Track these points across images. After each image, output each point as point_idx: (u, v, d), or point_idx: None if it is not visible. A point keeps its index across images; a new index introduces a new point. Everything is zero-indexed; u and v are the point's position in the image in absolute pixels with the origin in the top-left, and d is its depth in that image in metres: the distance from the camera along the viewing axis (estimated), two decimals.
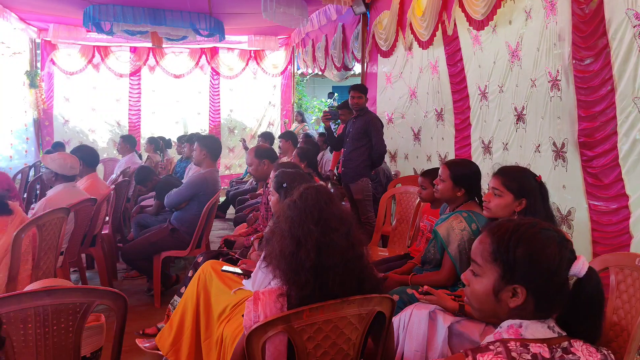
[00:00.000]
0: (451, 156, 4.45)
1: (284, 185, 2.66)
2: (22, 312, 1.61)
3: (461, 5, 3.84)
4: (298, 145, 5.36)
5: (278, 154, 6.21)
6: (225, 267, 2.76)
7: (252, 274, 2.57)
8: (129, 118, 9.73)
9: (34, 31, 8.42)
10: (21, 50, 8.80)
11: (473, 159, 3.97)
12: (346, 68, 6.90)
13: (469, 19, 3.80)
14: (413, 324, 2.20)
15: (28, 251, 2.84)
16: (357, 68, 7.06)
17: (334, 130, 5.78)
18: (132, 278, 4.52)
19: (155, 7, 6.22)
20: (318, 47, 7.61)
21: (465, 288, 1.27)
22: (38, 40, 8.90)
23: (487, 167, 3.76)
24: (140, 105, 9.75)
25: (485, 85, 3.88)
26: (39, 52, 9.06)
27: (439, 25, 4.30)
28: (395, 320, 2.20)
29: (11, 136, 9.37)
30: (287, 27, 6.70)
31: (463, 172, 2.68)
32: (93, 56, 9.24)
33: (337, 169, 5.43)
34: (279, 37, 9.18)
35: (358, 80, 6.81)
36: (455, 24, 4.12)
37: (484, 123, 3.95)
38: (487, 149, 3.91)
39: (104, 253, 4.24)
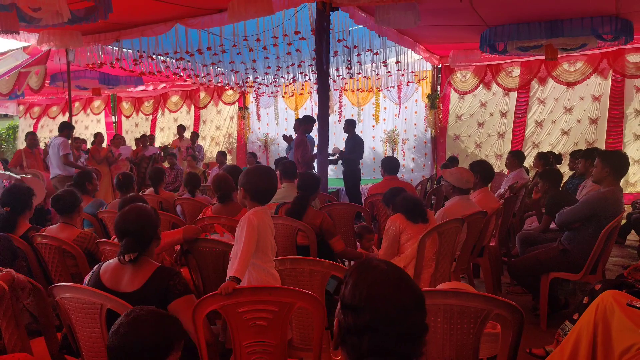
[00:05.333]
0: None
1: None
2: (434, 307, 1.84)
3: None
4: None
5: None
6: (633, 302, 2.40)
7: None
8: (514, 131, 9.78)
9: (436, 59, 9.56)
10: (425, 76, 10.16)
11: None
12: None
13: None
14: None
15: (432, 258, 3.22)
16: None
17: None
18: (516, 294, 4.50)
19: (552, 19, 6.04)
20: None
21: None
22: (439, 67, 10.05)
23: None
24: (525, 118, 9.67)
25: None
26: (439, 76, 10.23)
27: None
28: None
29: (413, 152, 10.92)
30: None
31: None
32: (485, 75, 9.78)
33: None
34: None
35: None
36: None
37: None
38: None
39: (490, 264, 4.38)
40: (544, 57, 7.27)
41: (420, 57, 9.04)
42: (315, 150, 7.18)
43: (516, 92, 9.69)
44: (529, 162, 8.54)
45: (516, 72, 9.59)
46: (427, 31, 7.21)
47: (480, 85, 9.92)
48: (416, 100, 10.75)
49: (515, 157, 6.71)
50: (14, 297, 2.15)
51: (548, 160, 6.71)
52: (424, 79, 10.19)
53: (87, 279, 2.23)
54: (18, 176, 5.55)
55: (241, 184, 2.60)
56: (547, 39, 6.31)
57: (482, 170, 4.39)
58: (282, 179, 4.79)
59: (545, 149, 8.82)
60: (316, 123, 7.76)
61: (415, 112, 10.81)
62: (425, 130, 10.62)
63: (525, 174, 6.67)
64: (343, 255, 3.70)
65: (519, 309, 1.80)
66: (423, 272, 3.33)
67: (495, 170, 9.08)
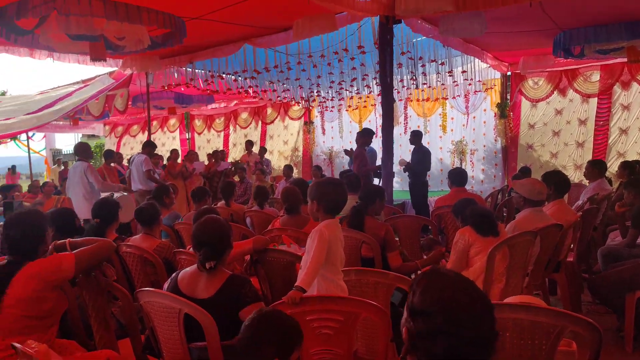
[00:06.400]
0: None
1: None
2: (501, 321, 1.80)
3: None
4: None
5: None
6: None
7: None
8: (595, 139, 9.21)
9: (505, 66, 9.27)
10: (493, 85, 9.87)
11: None
12: None
13: None
14: None
15: (503, 272, 3.13)
16: None
17: None
18: (598, 313, 4.23)
19: (633, 19, 5.70)
20: None
21: None
22: (508, 74, 9.74)
23: None
24: (608, 126, 9.09)
25: None
26: (508, 84, 9.91)
27: None
28: None
29: (483, 162, 10.62)
30: None
31: None
32: (560, 81, 9.34)
33: None
34: None
35: None
36: None
37: None
38: None
39: (568, 280, 4.16)
40: (626, 60, 6.86)
41: (488, 65, 8.82)
42: (378, 162, 7.19)
43: (596, 98, 9.13)
44: (612, 171, 8.02)
45: (595, 76, 9.05)
46: (495, 38, 7.03)
47: (555, 92, 9.47)
48: (485, 110, 10.45)
49: (595, 167, 6.30)
50: (104, 300, 2.35)
51: (634, 169, 6.27)
52: (492, 88, 9.90)
53: (166, 285, 2.38)
54: (123, 193, 6.05)
55: (313, 197, 2.62)
56: (629, 40, 5.94)
57: (556, 181, 4.20)
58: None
59: (632, 158, 8.21)
60: (377, 135, 7.78)
61: (484, 122, 10.50)
62: (495, 140, 10.28)
63: (607, 185, 6.25)
64: (398, 271, 3.63)
65: (596, 326, 1.72)
66: (493, 286, 3.24)
67: (575, 181, 8.64)
